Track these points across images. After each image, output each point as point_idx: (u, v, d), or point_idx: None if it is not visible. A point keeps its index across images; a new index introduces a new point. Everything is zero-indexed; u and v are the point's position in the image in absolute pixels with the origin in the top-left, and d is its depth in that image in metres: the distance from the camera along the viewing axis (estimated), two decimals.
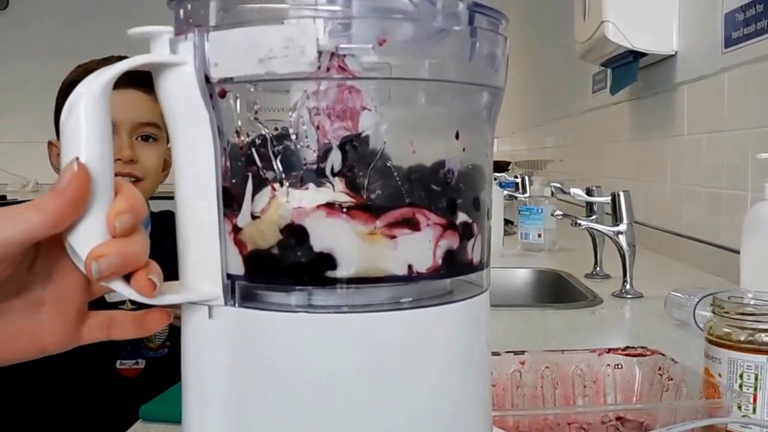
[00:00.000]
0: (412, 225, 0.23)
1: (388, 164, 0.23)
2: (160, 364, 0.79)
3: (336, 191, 0.22)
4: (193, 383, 0.25)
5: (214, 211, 0.23)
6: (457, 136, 0.24)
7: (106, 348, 0.78)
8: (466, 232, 0.25)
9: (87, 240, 0.22)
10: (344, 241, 0.22)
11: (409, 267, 0.23)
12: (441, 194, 0.24)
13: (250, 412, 0.23)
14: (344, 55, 0.22)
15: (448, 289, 0.25)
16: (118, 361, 0.78)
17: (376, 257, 0.23)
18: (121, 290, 0.23)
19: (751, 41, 0.91)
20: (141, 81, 0.73)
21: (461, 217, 0.24)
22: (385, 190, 0.23)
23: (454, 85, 0.24)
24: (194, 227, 0.24)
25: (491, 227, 0.27)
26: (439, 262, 0.24)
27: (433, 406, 0.24)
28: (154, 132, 0.77)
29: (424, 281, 0.24)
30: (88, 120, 0.22)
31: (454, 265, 0.24)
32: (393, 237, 0.23)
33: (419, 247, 0.23)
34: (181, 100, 0.23)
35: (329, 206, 0.22)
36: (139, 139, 0.76)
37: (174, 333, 0.82)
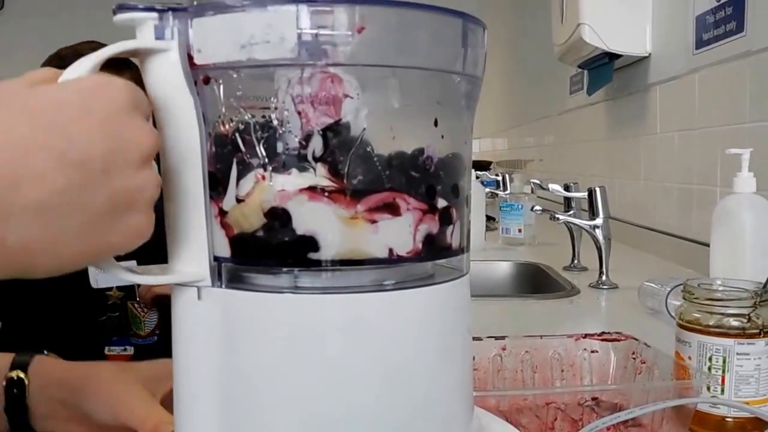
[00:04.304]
0: (393, 210, 0.24)
1: (369, 150, 0.23)
2: (149, 351, 0.81)
3: (318, 175, 0.23)
4: (183, 363, 0.25)
5: (200, 195, 0.24)
6: (435, 124, 0.25)
7: (96, 335, 0.79)
8: (445, 217, 0.25)
9: None
10: (326, 224, 0.23)
11: (390, 250, 0.24)
12: (420, 180, 0.24)
13: (239, 390, 0.24)
14: (324, 42, 0.22)
15: (430, 273, 0.26)
16: (107, 348, 0.80)
17: (357, 240, 0.23)
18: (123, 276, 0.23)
19: (720, 42, 0.94)
20: (113, 65, 0.72)
21: (440, 202, 0.25)
22: (366, 176, 0.23)
23: (432, 73, 0.25)
24: (181, 211, 0.24)
25: (470, 214, 0.27)
26: (419, 245, 0.24)
27: (416, 384, 0.25)
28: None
29: (406, 265, 0.25)
30: None
31: (434, 248, 0.25)
32: (374, 221, 0.23)
33: (399, 231, 0.24)
34: (166, 86, 0.24)
35: (311, 190, 0.23)
36: None
37: (164, 322, 0.82)
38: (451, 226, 0.26)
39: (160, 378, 0.36)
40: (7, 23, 3.46)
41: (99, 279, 0.78)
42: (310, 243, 0.23)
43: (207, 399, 0.24)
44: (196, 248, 0.24)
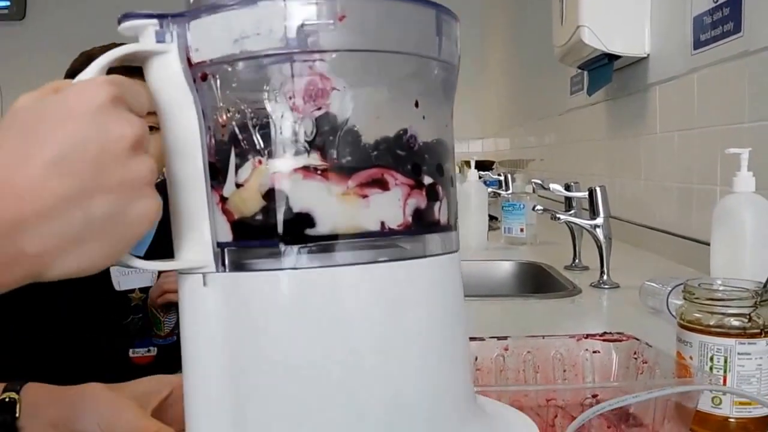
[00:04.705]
0: (382, 185, 0.25)
1: (356, 130, 0.25)
2: (170, 350, 0.82)
3: (310, 157, 0.24)
4: (191, 348, 0.26)
5: (201, 184, 0.25)
6: (416, 105, 0.27)
7: (120, 338, 0.80)
8: (431, 193, 0.27)
9: None
10: (321, 200, 0.24)
11: (382, 224, 0.25)
12: (406, 158, 0.26)
13: (248, 371, 0.25)
14: (309, 32, 0.24)
15: (422, 252, 0.27)
16: (131, 350, 0.81)
17: (351, 215, 0.25)
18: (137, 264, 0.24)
19: (718, 43, 0.95)
20: (135, 69, 0.72)
21: (426, 180, 0.27)
22: (354, 155, 0.25)
23: (410, 57, 0.27)
24: (184, 201, 0.26)
25: (456, 194, 0.29)
26: (409, 219, 0.26)
27: (415, 352, 0.26)
28: (155, 121, 0.77)
29: (400, 241, 0.26)
30: None
31: (423, 223, 0.27)
32: (365, 196, 0.25)
33: (390, 205, 0.25)
34: (168, 86, 0.25)
35: (305, 169, 0.24)
36: None
37: None
38: (438, 203, 0.27)
39: (148, 393, 0.37)
40: (28, 31, 3.49)
41: (121, 281, 0.79)
42: (307, 219, 0.24)
43: (216, 382, 0.25)
44: (199, 236, 0.25)
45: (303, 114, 0.24)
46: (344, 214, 0.24)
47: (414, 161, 0.26)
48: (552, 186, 1.06)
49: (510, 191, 1.55)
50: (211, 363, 0.25)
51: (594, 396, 0.41)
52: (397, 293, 0.25)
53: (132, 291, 0.83)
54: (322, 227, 0.24)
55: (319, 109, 0.24)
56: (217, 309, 0.25)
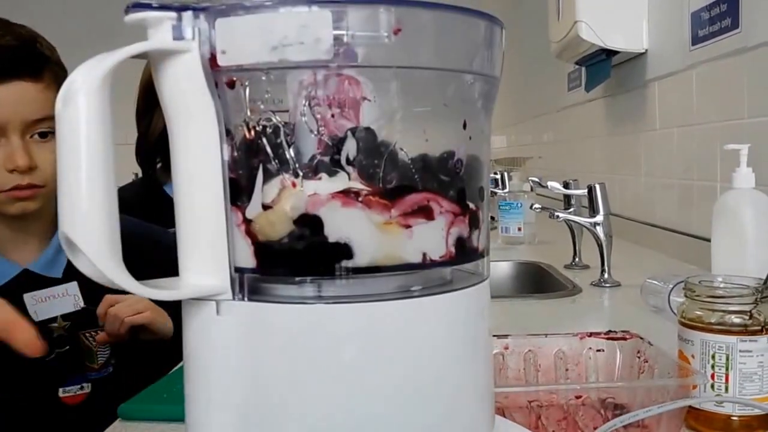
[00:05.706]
0: (426, 213, 0.23)
1: (402, 152, 0.23)
2: (105, 384, 0.69)
3: (351, 180, 0.22)
4: (202, 382, 0.24)
5: (220, 203, 0.23)
6: (464, 126, 0.25)
7: (48, 376, 0.66)
8: (474, 220, 0.25)
9: (86, 230, 0.22)
10: (360, 230, 0.22)
11: (424, 255, 0.23)
12: (451, 184, 0.24)
13: (264, 409, 0.23)
14: (360, 44, 0.22)
15: (448, 279, 0.26)
16: (61, 389, 0.67)
17: (393, 246, 0.23)
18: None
19: (716, 39, 0.95)
20: (29, 70, 0.60)
21: (469, 205, 0.25)
22: (399, 179, 0.23)
23: (462, 74, 0.25)
24: (197, 220, 0.23)
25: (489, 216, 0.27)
26: (452, 249, 0.24)
27: (445, 390, 0.24)
28: (51, 126, 0.61)
29: (433, 270, 0.24)
30: (89, 113, 0.21)
31: (464, 252, 0.25)
32: (408, 226, 0.23)
33: (433, 235, 0.23)
34: (184, 89, 0.23)
35: (345, 195, 0.22)
36: (36, 136, 0.61)
37: (118, 350, 0.70)
38: (478, 230, 0.25)
39: None
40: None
41: (38, 310, 0.64)
42: (345, 250, 0.22)
43: (228, 418, 0.23)
44: (214, 259, 0.23)
45: (345, 132, 0.22)
46: (385, 246, 0.22)
47: (459, 186, 0.24)
48: (550, 184, 1.06)
49: (507, 190, 1.54)
50: (222, 395, 0.23)
51: (599, 398, 0.41)
52: (434, 326, 0.24)
53: (53, 320, 0.66)
54: (360, 259, 0.22)
55: (364, 126, 0.22)
56: (233, 339, 0.23)
